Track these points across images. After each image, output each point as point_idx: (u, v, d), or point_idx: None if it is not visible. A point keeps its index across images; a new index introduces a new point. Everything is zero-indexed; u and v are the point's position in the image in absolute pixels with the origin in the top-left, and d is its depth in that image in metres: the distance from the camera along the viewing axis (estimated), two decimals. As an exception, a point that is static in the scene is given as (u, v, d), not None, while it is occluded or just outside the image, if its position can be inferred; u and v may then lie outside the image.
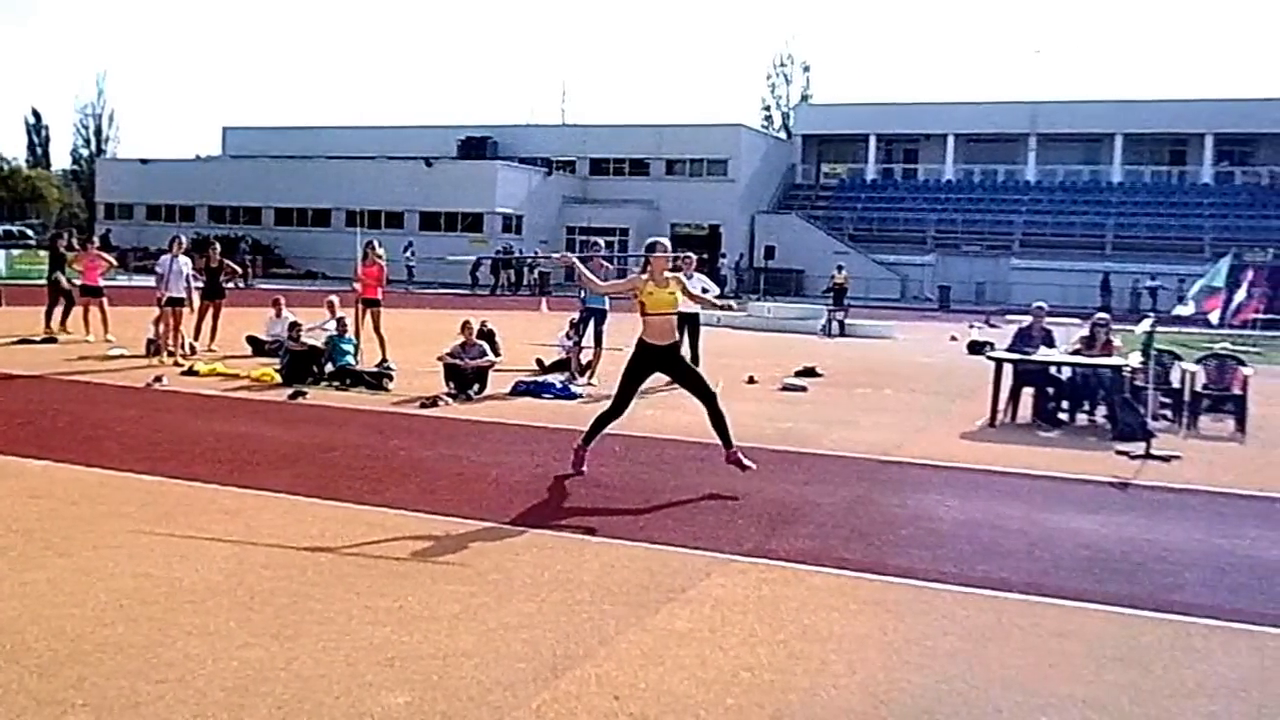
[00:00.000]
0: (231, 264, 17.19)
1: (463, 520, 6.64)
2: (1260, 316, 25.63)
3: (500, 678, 4.26)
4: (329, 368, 12.90)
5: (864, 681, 4.39)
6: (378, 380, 12.46)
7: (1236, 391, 11.74)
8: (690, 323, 13.84)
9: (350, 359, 13.07)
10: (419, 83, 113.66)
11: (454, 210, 48.34)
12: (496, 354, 13.60)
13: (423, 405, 11.23)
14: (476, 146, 52.84)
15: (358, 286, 15.15)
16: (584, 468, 8.04)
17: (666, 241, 8.28)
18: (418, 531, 6.38)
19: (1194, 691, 4.45)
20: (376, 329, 14.61)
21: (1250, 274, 24.40)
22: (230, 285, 18.01)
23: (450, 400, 11.49)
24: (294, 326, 13.46)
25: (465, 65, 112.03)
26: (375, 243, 15.64)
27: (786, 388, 13.82)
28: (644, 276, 8.03)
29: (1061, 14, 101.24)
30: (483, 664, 4.38)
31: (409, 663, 4.37)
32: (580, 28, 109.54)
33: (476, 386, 12.00)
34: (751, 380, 14.29)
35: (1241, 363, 12.31)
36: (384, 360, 13.79)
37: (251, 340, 15.79)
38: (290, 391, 11.88)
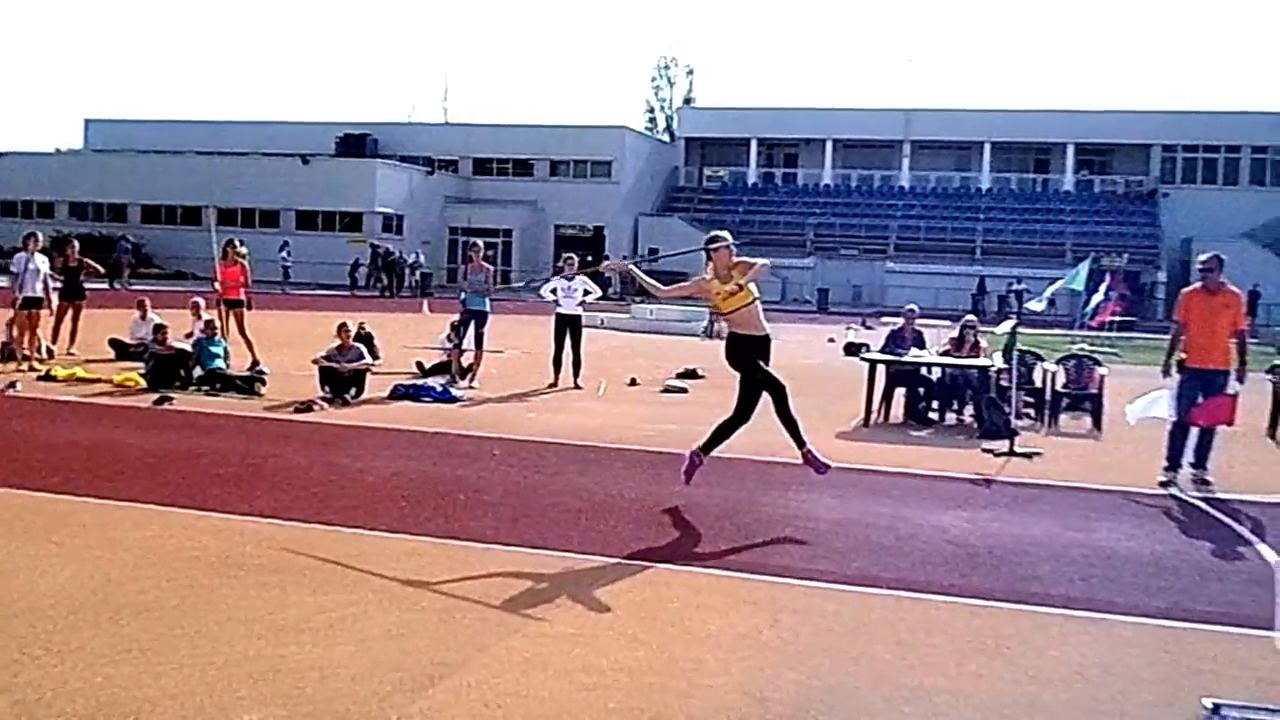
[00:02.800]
0: (92, 263, 16.42)
1: (337, 528, 6.50)
2: (1117, 319, 26.89)
3: (375, 689, 4.19)
4: (197, 372, 12.48)
5: (740, 680, 4.45)
6: (249, 385, 12.12)
7: (1093, 391, 12.30)
8: (572, 324, 13.84)
9: (220, 362, 12.66)
10: (295, 77, 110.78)
11: (332, 209, 47.20)
12: (375, 357, 13.36)
13: (297, 410, 10.97)
14: (355, 144, 51.70)
15: (218, 287, 14.68)
16: (822, 460, 7.53)
17: (726, 234, 7.72)
18: (291, 540, 6.22)
19: (1051, 679, 4.65)
20: (241, 331, 14.17)
21: (1108, 278, 25.56)
22: (107, 286, 17.26)
23: (326, 404, 11.25)
24: (159, 329, 12.98)
25: (344, 60, 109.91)
26: (236, 241, 15.16)
27: (668, 389, 13.93)
28: (708, 276, 7.58)
29: (934, 25, 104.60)
30: (357, 675, 4.30)
31: (280, 676, 4.26)
32: (463, 24, 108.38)
33: (353, 390, 11.76)
34: (633, 382, 14.37)
35: (1098, 363, 12.91)
36: (255, 364, 13.40)
37: (115, 343, 15.15)
38: (156, 397, 11.46)
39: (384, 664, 4.43)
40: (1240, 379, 9.09)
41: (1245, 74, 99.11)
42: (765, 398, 7.50)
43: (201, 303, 14.29)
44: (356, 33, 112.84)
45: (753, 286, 7.51)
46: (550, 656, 4.62)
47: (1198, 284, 9.39)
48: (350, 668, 4.37)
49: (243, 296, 14.64)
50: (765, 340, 7.58)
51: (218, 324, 13.63)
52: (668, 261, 48.11)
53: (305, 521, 6.62)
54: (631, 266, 8.68)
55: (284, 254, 40.95)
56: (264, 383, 12.32)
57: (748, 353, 7.51)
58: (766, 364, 7.57)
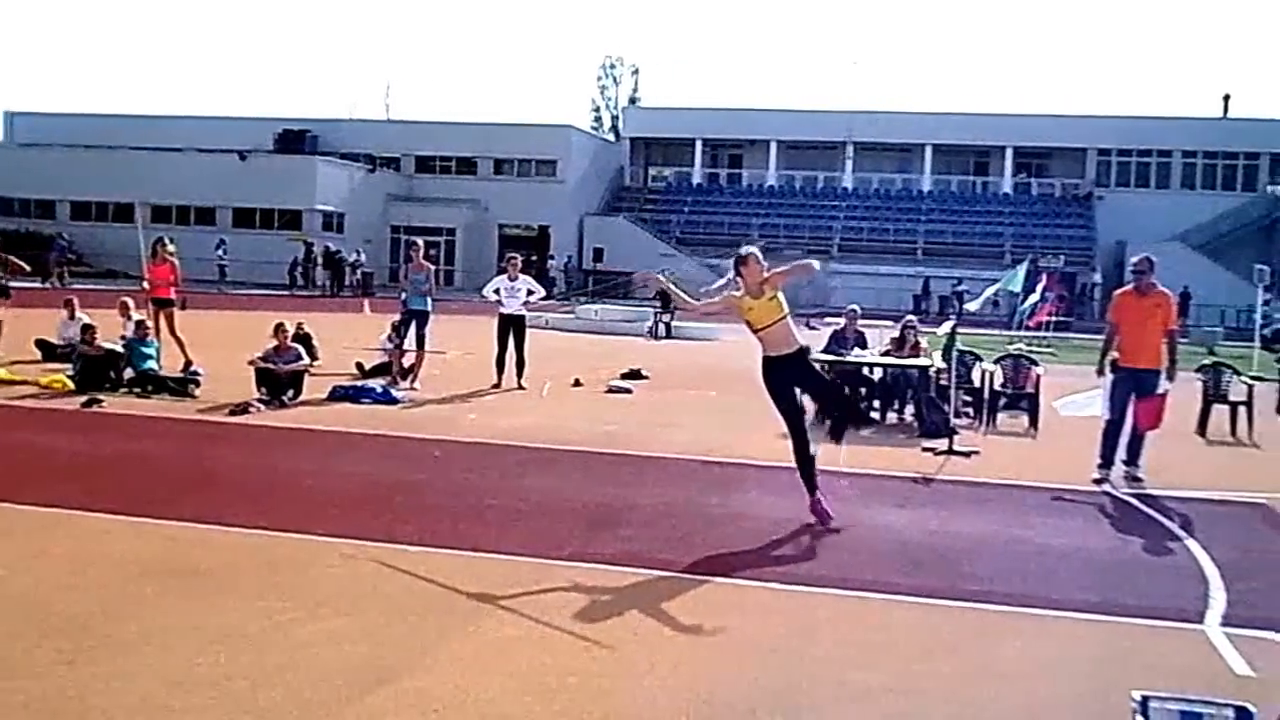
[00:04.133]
0: (16, 261, 15.96)
1: (272, 532, 6.40)
2: (1054, 319, 27.39)
3: (310, 696, 4.11)
4: (128, 373, 12.19)
5: (688, 681, 4.45)
6: (183, 386, 11.87)
7: (1030, 390, 12.48)
8: (516, 324, 13.76)
9: (152, 364, 12.38)
10: (232, 71, 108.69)
11: (270, 207, 46.28)
12: (313, 358, 13.18)
13: (232, 412, 10.77)
14: (294, 140, 50.84)
15: (146, 286, 14.38)
16: (825, 508, 7.18)
17: (756, 249, 7.38)
18: (223, 545, 6.11)
19: (991, 675, 4.71)
20: (172, 331, 13.85)
21: (1044, 279, 26.01)
22: (41, 284, 16.77)
23: (262, 407, 11.05)
24: (88, 329, 12.68)
25: (283, 55, 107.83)
26: (166, 239, 14.86)
27: (612, 390, 13.91)
28: (739, 293, 7.28)
29: (877, 28, 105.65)
30: (293, 683, 4.23)
31: (211, 685, 4.17)
32: (406, 19, 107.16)
33: (291, 392, 11.56)
34: (577, 383, 14.32)
35: (1034, 363, 13.11)
36: (188, 365, 13.13)
37: (41, 344, 14.73)
38: (84, 399, 11.18)
39: (321, 671, 4.35)
40: (1170, 378, 9.29)
41: (1176, 81, 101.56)
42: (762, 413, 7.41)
43: (131, 302, 13.97)
44: (296, 27, 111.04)
45: (784, 301, 7.30)
46: (494, 660, 4.58)
47: (1130, 285, 9.57)
48: (286, 675, 4.29)
49: (173, 296, 14.34)
50: (800, 355, 7.33)
51: (149, 324, 13.33)
52: (614, 262, 48.29)
53: (240, 526, 6.49)
54: (663, 279, 8.32)
55: (220, 252, 40.18)
56: (198, 384, 12.06)
57: (782, 376, 7.33)
58: (806, 377, 7.43)
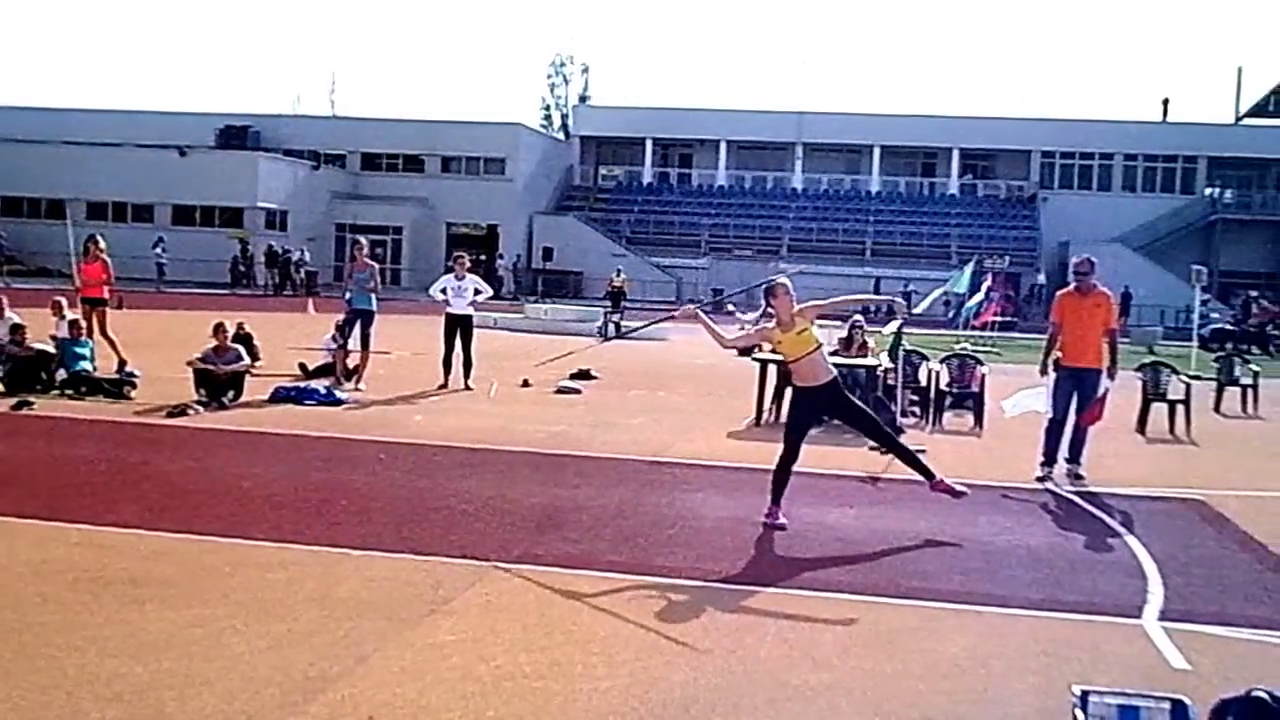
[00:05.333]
0: None
1: (210, 538, 6.26)
2: (998, 319, 27.73)
3: (244, 706, 4.03)
4: (61, 375, 11.90)
5: (625, 682, 4.43)
6: (118, 388, 11.60)
7: (975, 389, 12.61)
8: (463, 324, 13.64)
9: (86, 364, 12.09)
10: (172, 64, 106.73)
11: (211, 204, 45.47)
12: (254, 358, 12.96)
13: (169, 414, 10.55)
14: (236, 136, 50.03)
15: (78, 284, 14.06)
16: (782, 520, 7.13)
17: (785, 280, 7.38)
18: (158, 552, 5.97)
19: (931, 671, 4.73)
20: (103, 331, 13.54)
21: (989, 278, 26.34)
22: None
23: (201, 409, 10.84)
24: (18, 329, 12.35)
25: (224, 48, 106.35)
26: (98, 237, 14.56)
27: (561, 390, 13.83)
28: (771, 325, 7.28)
29: (827, 29, 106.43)
30: (225, 692, 4.14)
31: (141, 695, 4.07)
32: (352, 13, 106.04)
33: (231, 393, 11.35)
34: (526, 383, 14.22)
35: (980, 362, 13.25)
36: (122, 365, 12.84)
37: (-32, 345, 14.36)
38: (14, 401, 10.89)
39: (256, 679, 4.27)
40: (1111, 376, 9.42)
41: (1117, 85, 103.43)
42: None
43: (64, 301, 13.65)
44: (239, 19, 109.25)
45: (817, 332, 7.32)
46: (430, 665, 4.52)
47: (1071, 286, 9.70)
48: (219, 684, 4.20)
49: (106, 295, 14.04)
50: (832, 385, 7.29)
51: (83, 324, 13.03)
52: (564, 262, 48.18)
53: (175, 532, 6.35)
54: (700, 313, 8.10)
55: (158, 250, 39.39)
56: (134, 386, 11.78)
57: (811, 407, 7.36)
58: (841, 408, 7.47)
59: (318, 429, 10.14)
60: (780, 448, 7.35)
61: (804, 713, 4.28)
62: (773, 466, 7.36)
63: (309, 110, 65.85)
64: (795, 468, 8.75)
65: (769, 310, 7.34)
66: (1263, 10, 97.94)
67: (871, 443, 10.57)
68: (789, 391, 7.39)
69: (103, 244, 14.34)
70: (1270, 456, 11.37)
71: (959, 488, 7.36)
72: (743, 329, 7.58)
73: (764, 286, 7.35)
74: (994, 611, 5.60)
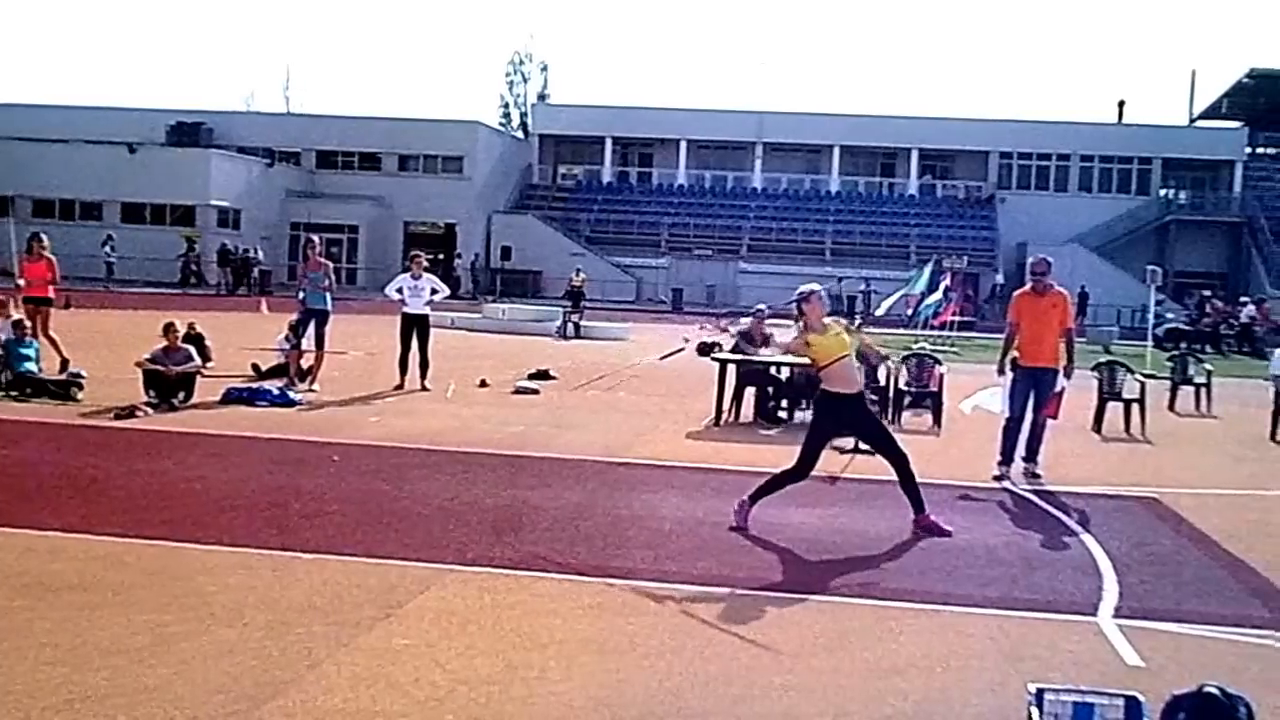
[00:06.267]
0: None
1: (159, 542, 6.14)
2: (957, 319, 27.97)
3: (193, 713, 3.95)
4: (5, 376, 11.63)
5: (583, 686, 4.39)
6: (64, 389, 11.34)
7: (934, 389, 12.68)
8: (419, 324, 13.52)
9: (31, 365, 11.83)
10: (121, 59, 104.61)
11: (162, 202, 44.70)
12: (205, 359, 12.75)
13: (117, 416, 10.33)
14: (188, 133, 49.23)
15: (21, 284, 13.78)
16: (748, 525, 7.10)
17: (816, 286, 7.48)
18: (106, 556, 5.84)
19: (889, 671, 4.73)
20: (45, 331, 13.26)
21: (948, 279, 26.55)
22: None
23: (150, 410, 10.64)
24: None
25: (175, 42, 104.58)
26: (41, 236, 14.29)
27: (519, 391, 13.75)
28: (802, 329, 7.34)
29: (786, 28, 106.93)
30: (174, 699, 4.05)
31: (89, 704, 3.97)
32: (307, 7, 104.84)
33: (181, 394, 11.15)
34: (483, 384, 14.13)
35: (938, 362, 13.33)
36: (65, 366, 12.57)
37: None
38: (-42, 405, 10.65)
39: (205, 686, 4.19)
40: (1068, 375, 9.50)
41: (1073, 87, 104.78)
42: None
43: (10, 301, 13.36)
44: (190, 13, 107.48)
45: (848, 338, 7.38)
46: (384, 670, 4.46)
47: (1028, 286, 9.77)
48: (167, 692, 4.11)
49: (51, 294, 13.77)
50: (860, 397, 7.41)
51: (27, 324, 12.75)
52: (523, 261, 47.97)
53: (123, 536, 6.22)
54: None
55: (107, 249, 38.74)
56: (81, 387, 11.52)
57: (839, 418, 7.36)
58: (863, 421, 7.48)
59: (270, 431, 9.99)
60: (780, 452, 7.46)
61: (764, 714, 4.26)
62: (774, 486, 7.31)
63: (263, 107, 65.23)
64: (752, 466, 8.81)
65: (801, 317, 7.40)
66: (1216, 14, 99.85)
67: (833, 442, 10.63)
68: (828, 402, 7.31)
69: (47, 242, 14.08)
70: (1223, 454, 11.53)
71: (946, 527, 7.22)
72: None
73: (797, 296, 7.44)
74: (952, 610, 5.62)
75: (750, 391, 12.57)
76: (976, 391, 10.41)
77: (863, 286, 42.70)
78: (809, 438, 7.37)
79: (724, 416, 12.00)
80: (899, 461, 7.32)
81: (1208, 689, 3.82)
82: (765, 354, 12.79)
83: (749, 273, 48.17)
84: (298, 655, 4.55)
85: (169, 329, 11.70)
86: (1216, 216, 51.08)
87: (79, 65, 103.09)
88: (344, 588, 5.48)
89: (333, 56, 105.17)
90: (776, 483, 7.32)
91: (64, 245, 14.76)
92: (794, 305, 7.41)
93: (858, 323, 11.92)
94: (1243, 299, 34.42)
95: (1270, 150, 55.72)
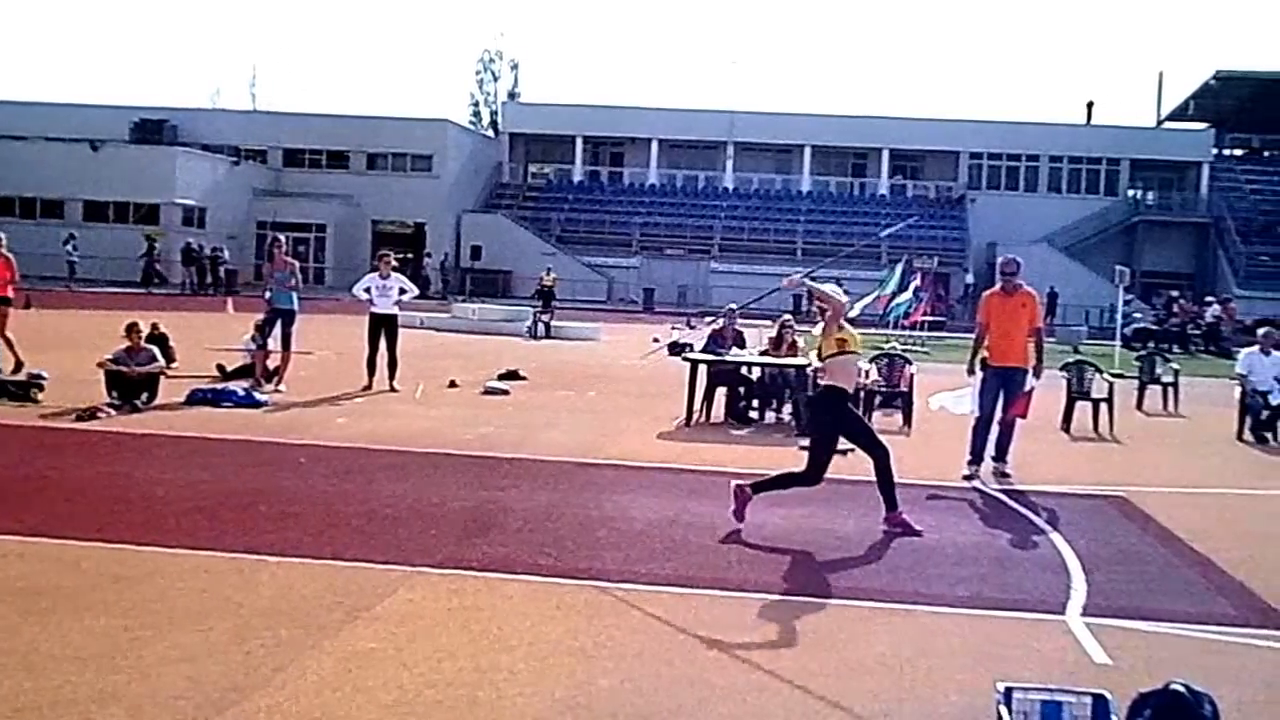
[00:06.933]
0: None
1: (120, 545, 6.04)
2: (928, 318, 28.11)
3: (154, 719, 3.87)
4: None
5: (552, 688, 4.36)
6: (24, 391, 11.14)
7: (904, 389, 12.71)
8: (388, 324, 13.42)
9: (-11, 366, 11.64)
10: (84, 55, 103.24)
11: (125, 200, 44.15)
12: (169, 359, 12.59)
13: (79, 418, 10.16)
14: (153, 130, 48.69)
15: None
16: (745, 515, 7.17)
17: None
18: (65, 560, 5.73)
19: (859, 670, 4.73)
20: (2, 332, 13.05)
21: (918, 278, 26.66)
22: None
23: (112, 411, 10.49)
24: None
25: (140, 39, 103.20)
26: (0, 234, 14.07)
27: (488, 391, 13.67)
28: (829, 318, 7.40)
29: (757, 28, 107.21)
30: (134, 706, 3.99)
31: (44, 712, 3.89)
32: (274, 3, 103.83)
33: (145, 395, 10.99)
34: (453, 384, 14.05)
35: (909, 361, 13.37)
36: (19, 366, 12.36)
37: None
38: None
39: (166, 692, 4.11)
40: (1037, 375, 9.55)
41: (1043, 88, 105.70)
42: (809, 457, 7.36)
43: None
44: (155, 8, 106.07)
45: (860, 338, 7.55)
46: (350, 674, 4.40)
47: (997, 286, 9.82)
48: (126, 699, 4.05)
49: (10, 294, 13.54)
50: (854, 396, 7.55)
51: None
52: (493, 260, 47.79)
53: (83, 539, 6.11)
54: (808, 280, 8.05)
55: (69, 247, 38.21)
56: (41, 388, 11.31)
57: (840, 412, 7.32)
58: (850, 419, 7.44)
59: (236, 432, 9.87)
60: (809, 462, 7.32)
61: (732, 714, 4.24)
62: (783, 482, 7.38)
63: (229, 104, 64.66)
64: (723, 466, 8.80)
65: (821, 308, 7.52)
66: (1183, 17, 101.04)
67: (802, 442, 10.63)
68: (829, 397, 7.36)
69: (4, 240, 13.86)
70: (1190, 453, 11.64)
71: (916, 526, 7.22)
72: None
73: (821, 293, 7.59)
74: (921, 610, 5.62)
75: (721, 392, 12.56)
76: (938, 393, 10.44)
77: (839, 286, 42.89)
78: (819, 442, 7.33)
79: (695, 417, 11.98)
80: (881, 458, 7.32)
81: (1174, 686, 3.84)
82: (736, 354, 12.79)
83: (720, 272, 48.23)
84: (262, 660, 4.49)
85: (132, 329, 11.53)
86: (1183, 217, 51.66)
87: (41, 61, 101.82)
88: (310, 591, 5.41)
89: (300, 53, 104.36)
90: (784, 482, 7.36)
91: (25, 244, 14.53)
92: (814, 300, 7.60)
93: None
94: (1207, 299, 34.82)
95: (1236, 151, 56.44)
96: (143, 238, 40.38)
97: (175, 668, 4.35)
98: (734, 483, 7.36)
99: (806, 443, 10.41)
